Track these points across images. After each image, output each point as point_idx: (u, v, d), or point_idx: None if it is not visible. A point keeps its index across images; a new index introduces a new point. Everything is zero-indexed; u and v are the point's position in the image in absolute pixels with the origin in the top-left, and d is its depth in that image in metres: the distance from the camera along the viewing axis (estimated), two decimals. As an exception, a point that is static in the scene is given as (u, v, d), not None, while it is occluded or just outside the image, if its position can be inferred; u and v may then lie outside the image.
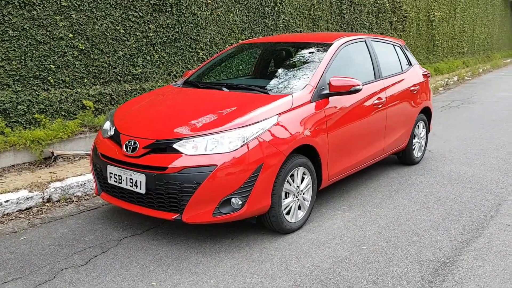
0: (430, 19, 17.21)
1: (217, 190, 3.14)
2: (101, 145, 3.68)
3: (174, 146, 3.23)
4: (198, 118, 3.45)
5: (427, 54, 17.36)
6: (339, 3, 11.12)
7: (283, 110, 3.53)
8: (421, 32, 16.55)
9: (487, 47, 27.03)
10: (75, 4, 5.64)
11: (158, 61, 6.77)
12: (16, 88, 5.18)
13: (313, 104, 3.77)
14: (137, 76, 6.50)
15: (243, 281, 2.93)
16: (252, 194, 3.23)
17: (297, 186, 3.63)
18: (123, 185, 3.40)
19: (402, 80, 5.08)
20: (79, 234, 3.61)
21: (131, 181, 3.33)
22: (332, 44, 4.27)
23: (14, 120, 5.13)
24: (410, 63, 5.48)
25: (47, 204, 4.28)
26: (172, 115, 3.64)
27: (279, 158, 3.35)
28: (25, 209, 4.13)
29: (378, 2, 12.94)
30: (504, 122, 8.50)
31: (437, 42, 18.12)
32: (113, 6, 6.06)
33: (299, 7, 9.61)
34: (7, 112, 5.06)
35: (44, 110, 5.42)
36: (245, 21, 8.21)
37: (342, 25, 11.42)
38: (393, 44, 5.31)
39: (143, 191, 3.28)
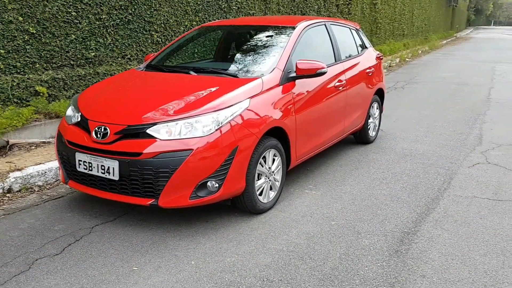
0: (373, 2, 17.71)
1: (193, 174, 3.18)
2: (67, 132, 3.59)
3: (148, 131, 3.23)
4: (169, 103, 3.46)
5: (371, 36, 17.88)
6: (288, -14, 11.21)
7: (254, 93, 3.60)
8: (365, 15, 17.01)
9: (425, 29, 28.23)
10: (24, -15, 5.37)
11: (112, 44, 6.59)
12: (-37, 75, 4.90)
13: (282, 87, 3.86)
14: (90, 60, 6.31)
15: (223, 260, 3.01)
16: (228, 177, 3.30)
17: (269, 168, 3.73)
18: (94, 172, 3.36)
19: (358, 62, 5.28)
20: (48, 224, 3.53)
21: (103, 167, 3.30)
22: (295, 27, 4.37)
23: (-37, 108, 4.86)
24: (365, 46, 5.69)
25: (8, 194, 4.13)
26: (142, 99, 3.61)
27: (253, 141, 3.43)
28: (-16, 201, 3.97)
29: (325, -15, 13.16)
30: (448, 100, 9.01)
31: (379, 25, 18.71)
32: (63, -13, 5.82)
33: (251, -11, 9.61)
34: (-45, 100, 4.79)
35: (-5, 97, 5.17)
36: (199, 2, 8.13)
37: (293, 8, 11.54)
38: (349, 28, 5.49)
39: (116, 177, 3.26)
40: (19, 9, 5.35)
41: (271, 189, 3.82)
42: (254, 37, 4.57)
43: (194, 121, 3.25)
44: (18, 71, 5.45)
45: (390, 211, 3.84)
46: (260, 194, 3.69)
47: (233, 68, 4.11)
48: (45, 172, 4.43)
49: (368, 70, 5.42)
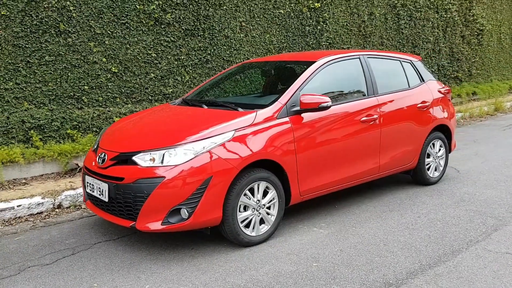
0: (516, 31, 15.96)
1: (165, 200, 3.35)
2: (86, 157, 4.08)
3: (133, 158, 3.51)
4: (162, 133, 3.72)
5: (515, 69, 16.08)
6: (396, 19, 10.84)
7: (243, 126, 3.65)
8: (504, 46, 15.41)
9: None
10: (109, 32, 6.25)
11: (189, 81, 7.18)
12: (51, 107, 5.85)
13: (280, 120, 3.84)
14: (168, 96, 6.95)
15: (175, 287, 3.08)
16: (200, 206, 3.38)
17: (258, 200, 3.70)
18: (95, 193, 3.74)
19: (406, 96, 4.91)
20: (64, 237, 4.01)
21: (99, 189, 3.67)
22: (314, 62, 4.30)
23: (48, 135, 5.78)
24: (422, 79, 5.26)
25: (57, 210, 4.77)
26: (143, 131, 3.94)
27: (231, 172, 3.47)
28: (36, 214, 4.65)
29: (445, 16, 12.36)
30: None
31: (526, 56, 16.70)
32: (145, 32, 6.59)
33: (347, 24, 9.55)
34: (42, 128, 5.73)
35: (77, 126, 6.03)
36: (283, 41, 8.38)
37: (401, 41, 11.08)
38: (400, 60, 5.15)
39: (106, 199, 3.59)
40: (103, 51, 6.23)
41: (263, 222, 3.77)
42: (279, 72, 4.62)
43: (173, 151, 3.44)
44: (100, 104, 6.29)
45: (391, 259, 3.46)
46: (247, 226, 3.67)
47: (241, 101, 4.22)
48: (94, 193, 5.00)
49: (420, 105, 4.99)
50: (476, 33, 13.86)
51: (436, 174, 5.39)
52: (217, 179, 3.41)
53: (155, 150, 3.48)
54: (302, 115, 3.97)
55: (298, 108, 3.93)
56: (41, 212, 4.69)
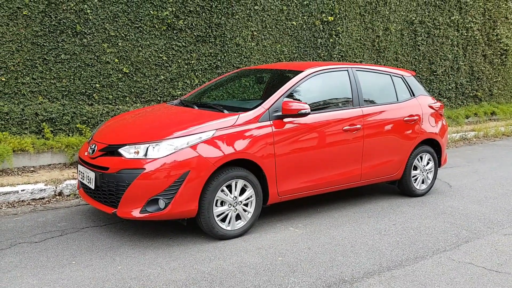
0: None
1: (143, 190, 3.63)
2: (81, 148, 4.41)
3: (119, 150, 3.81)
4: (149, 129, 4.01)
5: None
6: (412, 35, 10.93)
7: (223, 126, 3.91)
8: (532, 66, 15.17)
9: None
10: (122, 34, 6.63)
11: (198, 85, 7.49)
12: (63, 102, 6.25)
13: (262, 123, 4.08)
14: (176, 97, 7.28)
15: (145, 270, 3.34)
16: (177, 197, 3.64)
17: (235, 197, 3.94)
18: (85, 181, 4.06)
19: (393, 109, 5.06)
20: (57, 221, 4.33)
21: (88, 178, 3.98)
22: (301, 72, 4.53)
23: (58, 127, 6.18)
24: (412, 94, 5.41)
25: (58, 197, 5.12)
26: (133, 126, 4.25)
27: (208, 168, 3.72)
28: (38, 199, 5.01)
29: (466, 34, 12.35)
30: None
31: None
32: (157, 36, 6.95)
33: (360, 38, 9.72)
34: (53, 120, 6.13)
35: (86, 122, 6.41)
36: (294, 51, 8.62)
37: (417, 57, 11.14)
38: (390, 75, 5.31)
39: (93, 186, 3.90)
40: (116, 52, 6.61)
41: (240, 218, 4.00)
42: (270, 79, 4.87)
43: (155, 145, 3.72)
44: (110, 102, 6.67)
45: (352, 259, 3.64)
46: (224, 220, 3.91)
47: (230, 104, 4.48)
48: (95, 184, 5.34)
49: (407, 118, 5.14)
50: (499, 52, 13.75)
51: (423, 186, 5.50)
52: (194, 174, 3.67)
53: (139, 144, 3.77)
54: (284, 120, 4.20)
55: (280, 113, 4.16)
56: (43, 198, 5.05)
